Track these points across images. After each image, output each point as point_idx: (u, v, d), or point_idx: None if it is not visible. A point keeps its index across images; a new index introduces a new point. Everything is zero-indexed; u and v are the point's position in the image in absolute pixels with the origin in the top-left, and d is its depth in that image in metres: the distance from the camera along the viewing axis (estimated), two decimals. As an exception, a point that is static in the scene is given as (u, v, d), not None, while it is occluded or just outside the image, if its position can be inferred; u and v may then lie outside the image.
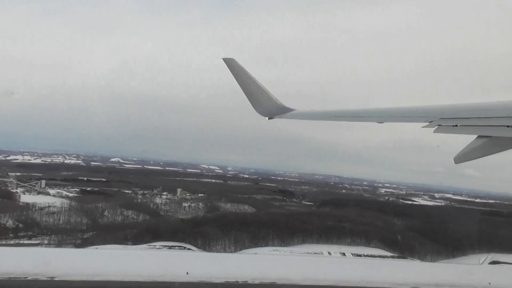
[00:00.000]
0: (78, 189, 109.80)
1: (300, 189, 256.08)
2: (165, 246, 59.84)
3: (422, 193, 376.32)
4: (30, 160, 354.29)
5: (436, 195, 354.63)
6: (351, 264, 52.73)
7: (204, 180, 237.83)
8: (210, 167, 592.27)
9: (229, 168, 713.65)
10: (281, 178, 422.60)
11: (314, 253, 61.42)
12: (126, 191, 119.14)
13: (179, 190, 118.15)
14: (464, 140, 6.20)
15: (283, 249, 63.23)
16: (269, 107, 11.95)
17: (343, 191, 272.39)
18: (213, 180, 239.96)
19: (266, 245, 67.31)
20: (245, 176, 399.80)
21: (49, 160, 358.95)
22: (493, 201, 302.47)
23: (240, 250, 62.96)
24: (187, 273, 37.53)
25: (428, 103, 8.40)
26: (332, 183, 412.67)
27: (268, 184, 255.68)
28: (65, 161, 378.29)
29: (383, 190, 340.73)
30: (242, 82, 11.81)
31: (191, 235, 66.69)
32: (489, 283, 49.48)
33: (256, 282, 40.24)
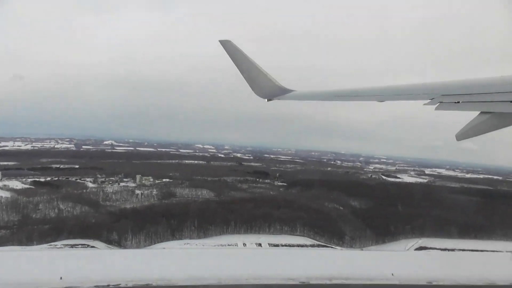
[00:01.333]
0: (31, 180, 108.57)
1: (285, 167, 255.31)
2: (67, 245, 58.31)
3: (413, 168, 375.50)
4: (20, 146, 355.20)
5: (427, 170, 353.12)
6: (257, 256, 51.56)
7: (186, 161, 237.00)
8: (204, 146, 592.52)
9: (226, 147, 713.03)
10: (274, 156, 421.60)
11: (228, 245, 60.39)
12: (87, 179, 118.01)
13: (138, 176, 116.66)
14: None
15: (197, 242, 62.00)
16: (268, 89, 11.86)
17: (329, 168, 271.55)
18: (195, 162, 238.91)
19: (186, 237, 65.93)
20: (237, 155, 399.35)
21: (39, 146, 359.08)
22: (483, 176, 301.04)
23: (154, 244, 61.92)
24: (61, 278, 35.75)
25: (430, 80, 8.29)
26: (325, 160, 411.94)
27: (252, 164, 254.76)
28: (56, 146, 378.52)
29: (373, 167, 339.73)
30: (240, 64, 11.64)
31: (112, 229, 65.15)
32: (392, 274, 48.11)
33: (130, 285, 38.81)
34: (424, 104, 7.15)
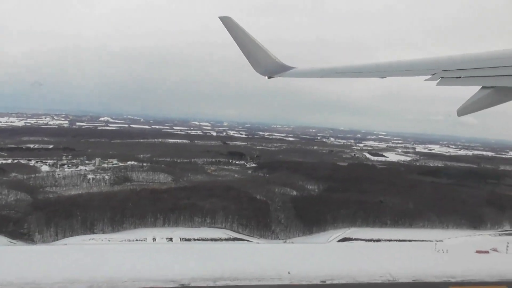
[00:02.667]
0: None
1: (271, 146, 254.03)
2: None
3: (405, 145, 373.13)
4: (13, 122, 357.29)
5: (419, 147, 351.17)
6: (159, 252, 51.29)
7: (170, 141, 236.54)
8: (201, 123, 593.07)
9: (225, 124, 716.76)
10: (268, 134, 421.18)
11: (137, 239, 59.41)
12: (48, 161, 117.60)
13: (97, 159, 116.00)
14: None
15: (104, 237, 60.78)
16: (268, 66, 11.79)
17: (315, 147, 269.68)
18: (179, 141, 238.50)
19: (100, 230, 64.20)
20: (229, 133, 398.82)
21: (32, 122, 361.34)
22: (473, 153, 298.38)
23: (62, 239, 60.87)
24: None
25: (430, 56, 8.19)
26: (318, 138, 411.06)
27: (239, 143, 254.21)
28: (49, 123, 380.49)
29: (363, 144, 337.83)
30: (240, 41, 11.51)
31: (25, 222, 63.52)
32: (289, 272, 47.55)
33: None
34: (426, 80, 7.19)
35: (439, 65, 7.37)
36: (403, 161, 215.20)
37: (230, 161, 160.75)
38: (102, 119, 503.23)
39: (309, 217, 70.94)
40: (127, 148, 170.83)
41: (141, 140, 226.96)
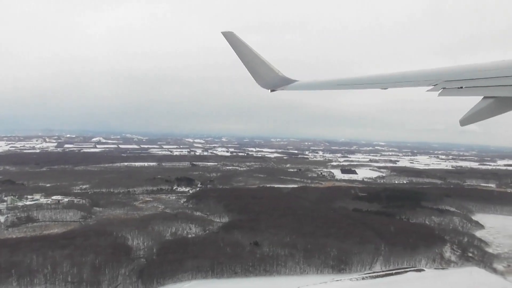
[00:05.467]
0: None
1: (241, 166, 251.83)
2: None
3: (392, 157, 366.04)
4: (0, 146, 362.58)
5: (404, 160, 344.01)
6: None
7: (136, 164, 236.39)
8: (194, 140, 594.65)
9: (224, 139, 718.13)
10: (256, 150, 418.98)
11: None
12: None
13: (9, 198, 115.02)
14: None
15: None
16: (271, 80, 11.91)
17: (287, 165, 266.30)
18: (146, 164, 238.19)
19: None
20: (216, 151, 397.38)
21: (18, 146, 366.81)
22: (455, 167, 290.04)
23: None
24: None
25: (432, 67, 8.30)
26: (305, 153, 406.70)
27: (208, 164, 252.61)
28: (37, 146, 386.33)
29: (345, 158, 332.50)
30: (242, 55, 11.65)
31: None
32: None
33: None
34: (427, 91, 7.22)
35: (440, 76, 7.39)
36: (368, 178, 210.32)
37: (173, 188, 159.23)
38: (94, 139, 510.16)
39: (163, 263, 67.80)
40: (75, 177, 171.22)
41: (106, 165, 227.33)
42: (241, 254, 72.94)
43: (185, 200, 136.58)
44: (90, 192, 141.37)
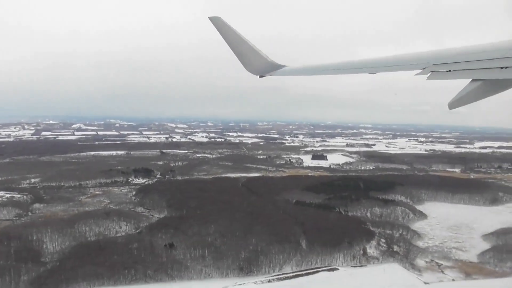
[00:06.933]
0: None
1: (213, 153, 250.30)
2: None
3: (368, 140, 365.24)
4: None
5: (381, 143, 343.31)
6: None
7: (103, 153, 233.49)
8: (177, 125, 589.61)
9: (209, 123, 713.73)
10: (236, 135, 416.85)
11: None
12: None
13: None
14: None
15: None
16: (260, 65, 11.90)
17: (259, 151, 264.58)
18: (114, 153, 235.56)
19: None
20: (197, 136, 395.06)
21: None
22: (427, 151, 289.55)
23: None
24: None
25: (420, 50, 8.34)
26: (285, 137, 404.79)
27: (178, 152, 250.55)
28: (13, 133, 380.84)
29: (320, 144, 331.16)
30: (231, 41, 11.61)
31: None
32: None
33: None
34: (416, 74, 7.38)
35: (429, 60, 7.41)
36: (335, 164, 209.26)
37: (129, 180, 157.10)
38: (74, 126, 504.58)
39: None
40: (31, 169, 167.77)
41: (72, 155, 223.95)
42: (151, 257, 71.41)
43: (134, 193, 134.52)
44: (38, 187, 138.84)
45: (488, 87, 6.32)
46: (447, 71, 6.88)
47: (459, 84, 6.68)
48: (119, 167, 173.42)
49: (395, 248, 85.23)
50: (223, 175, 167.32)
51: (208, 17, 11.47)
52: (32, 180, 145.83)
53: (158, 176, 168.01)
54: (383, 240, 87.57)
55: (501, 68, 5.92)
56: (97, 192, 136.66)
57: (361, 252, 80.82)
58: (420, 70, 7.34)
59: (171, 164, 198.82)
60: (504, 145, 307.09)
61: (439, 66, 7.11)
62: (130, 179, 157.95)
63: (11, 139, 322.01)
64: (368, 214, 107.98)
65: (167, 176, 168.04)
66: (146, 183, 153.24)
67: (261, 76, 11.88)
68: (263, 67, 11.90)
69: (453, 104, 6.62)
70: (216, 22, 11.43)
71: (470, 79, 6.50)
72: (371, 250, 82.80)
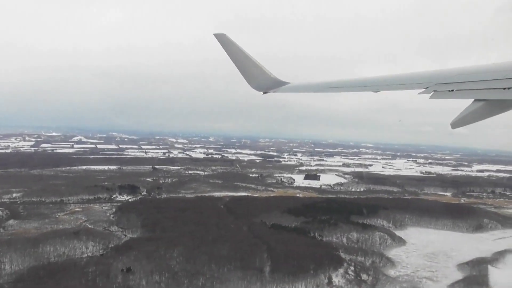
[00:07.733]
0: None
1: (206, 170, 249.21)
2: None
3: (365, 161, 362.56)
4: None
5: (379, 164, 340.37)
6: None
7: (95, 168, 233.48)
8: (178, 140, 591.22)
9: (211, 139, 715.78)
10: (234, 152, 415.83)
11: None
12: None
13: None
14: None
15: None
16: (263, 82, 11.96)
17: (252, 169, 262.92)
18: (106, 168, 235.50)
19: None
20: (194, 152, 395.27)
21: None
22: (422, 174, 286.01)
23: None
24: None
25: (424, 70, 8.35)
26: (282, 155, 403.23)
27: (171, 168, 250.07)
28: (12, 145, 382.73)
29: (317, 162, 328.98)
30: (235, 57, 11.69)
31: None
32: None
33: None
34: (419, 93, 7.33)
35: (432, 79, 7.45)
36: (326, 185, 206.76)
37: (112, 197, 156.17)
38: (75, 138, 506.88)
39: None
40: (17, 182, 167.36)
41: (64, 169, 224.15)
42: (105, 282, 69.89)
43: (113, 211, 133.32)
44: (19, 202, 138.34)
45: (490, 107, 6.28)
46: (449, 90, 6.88)
47: (462, 105, 6.69)
48: (105, 183, 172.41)
49: (364, 276, 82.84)
50: (208, 194, 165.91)
51: (213, 34, 11.64)
52: (14, 195, 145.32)
53: (143, 193, 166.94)
54: (351, 268, 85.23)
55: (504, 88, 5.93)
56: (77, 209, 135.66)
57: (326, 280, 78.59)
58: (423, 89, 7.35)
59: (160, 181, 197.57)
60: (502, 168, 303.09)
61: (442, 86, 7.13)
62: (114, 196, 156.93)
63: (9, 151, 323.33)
64: (344, 240, 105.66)
65: (152, 194, 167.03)
66: (129, 200, 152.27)
67: (264, 93, 11.92)
68: (266, 83, 12.01)
69: (456, 124, 6.54)
70: (221, 38, 11.59)
71: (473, 99, 6.46)
72: (337, 278, 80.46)
